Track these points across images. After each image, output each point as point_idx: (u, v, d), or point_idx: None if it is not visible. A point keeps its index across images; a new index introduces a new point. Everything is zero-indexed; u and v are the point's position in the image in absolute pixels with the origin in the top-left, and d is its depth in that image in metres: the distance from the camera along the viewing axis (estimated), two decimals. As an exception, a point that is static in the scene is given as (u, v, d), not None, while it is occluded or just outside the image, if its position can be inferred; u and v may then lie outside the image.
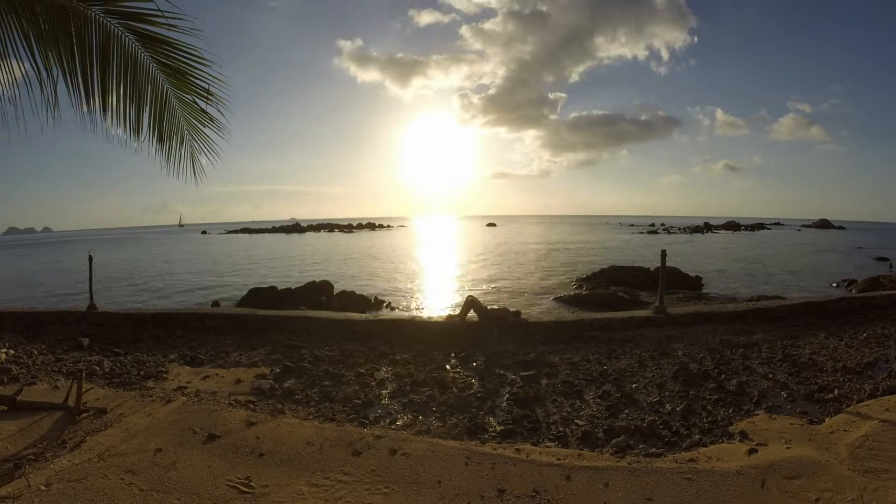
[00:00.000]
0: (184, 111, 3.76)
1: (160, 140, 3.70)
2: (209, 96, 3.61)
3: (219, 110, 3.75)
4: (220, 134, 3.88)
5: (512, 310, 8.11)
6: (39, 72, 3.05)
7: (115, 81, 3.34)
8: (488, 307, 8.03)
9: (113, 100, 3.38)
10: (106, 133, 3.42)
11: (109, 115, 3.40)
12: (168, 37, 3.37)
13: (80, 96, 3.23)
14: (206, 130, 3.86)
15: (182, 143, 3.85)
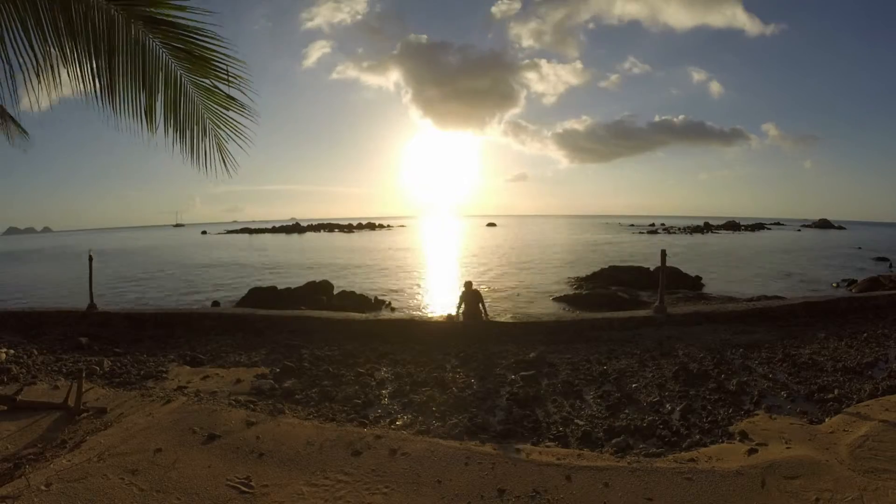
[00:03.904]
0: (202, 97, 3.50)
1: (178, 130, 3.45)
2: (229, 78, 3.32)
3: (242, 92, 3.41)
4: (247, 116, 3.53)
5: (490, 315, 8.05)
6: (38, 62, 2.91)
7: (121, 70, 3.16)
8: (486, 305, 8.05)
9: (121, 90, 3.19)
10: (116, 124, 3.24)
11: (118, 106, 3.20)
12: (177, 18, 3.17)
13: (85, 87, 3.10)
14: (231, 114, 3.54)
15: (205, 132, 3.57)
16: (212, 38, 3.22)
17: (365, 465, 3.54)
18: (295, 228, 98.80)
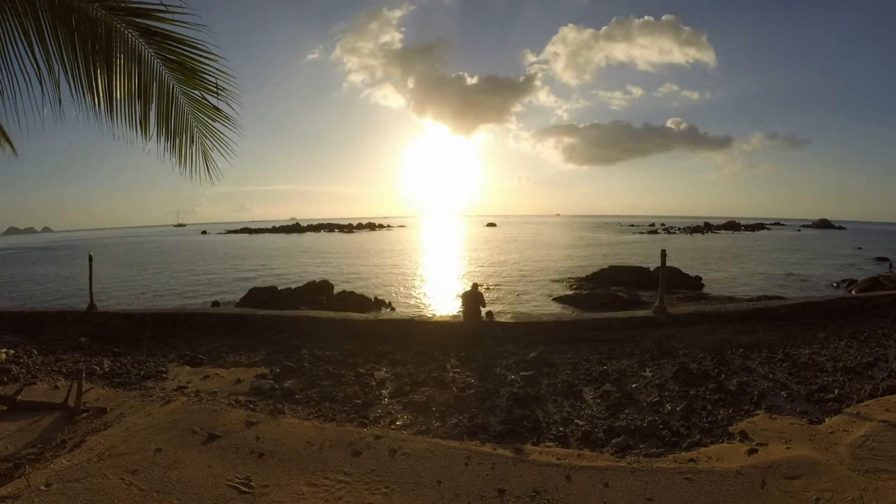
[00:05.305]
0: (192, 107, 3.64)
1: (168, 138, 3.58)
2: (217, 91, 3.47)
3: (229, 104, 3.58)
4: (231, 128, 3.71)
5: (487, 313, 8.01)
6: (40, 69, 3.00)
7: (119, 79, 3.26)
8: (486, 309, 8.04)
9: (118, 99, 3.30)
10: (112, 131, 3.33)
11: (115, 113, 3.31)
12: (172, 31, 3.28)
13: (83, 95, 3.19)
14: (217, 126, 3.71)
15: (192, 140, 3.71)
16: (203, 51, 3.35)
17: (365, 466, 3.54)
18: (295, 228, 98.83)
